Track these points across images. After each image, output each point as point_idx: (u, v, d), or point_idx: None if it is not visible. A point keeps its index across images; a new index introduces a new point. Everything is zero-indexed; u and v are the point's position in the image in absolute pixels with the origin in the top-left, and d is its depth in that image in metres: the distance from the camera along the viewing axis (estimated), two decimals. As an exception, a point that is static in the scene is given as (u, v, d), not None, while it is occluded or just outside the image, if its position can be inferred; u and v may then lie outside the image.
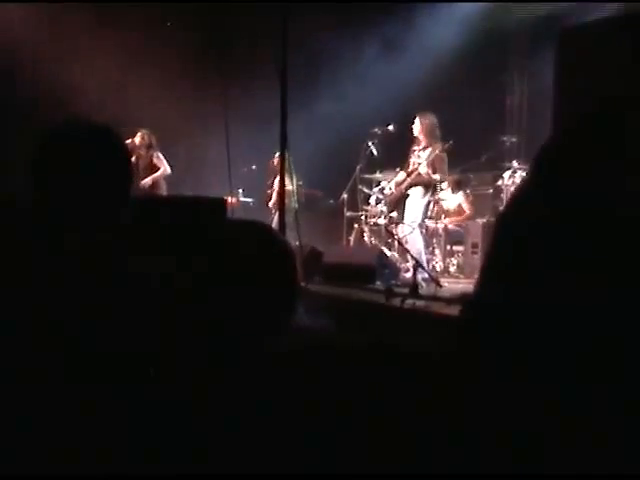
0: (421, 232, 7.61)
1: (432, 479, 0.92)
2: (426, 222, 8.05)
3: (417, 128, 7.57)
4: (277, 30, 5.17)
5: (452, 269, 8.68)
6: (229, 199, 7.36)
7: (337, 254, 7.73)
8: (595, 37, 4.70)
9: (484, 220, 8.79)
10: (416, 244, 7.35)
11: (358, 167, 8.66)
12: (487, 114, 10.15)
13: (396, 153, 8.21)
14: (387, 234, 8.14)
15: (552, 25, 8.27)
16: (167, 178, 8.96)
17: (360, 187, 8.78)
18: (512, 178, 9.00)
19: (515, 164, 9.12)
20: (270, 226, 1.85)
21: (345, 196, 9.06)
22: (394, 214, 8.10)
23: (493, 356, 0.95)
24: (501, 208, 9.10)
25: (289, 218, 6.12)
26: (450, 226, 8.80)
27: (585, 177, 0.88)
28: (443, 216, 8.76)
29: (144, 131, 8.79)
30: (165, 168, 8.85)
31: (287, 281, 1.65)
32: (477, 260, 8.38)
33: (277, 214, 6.60)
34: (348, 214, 9.16)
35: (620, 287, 0.84)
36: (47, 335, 1.49)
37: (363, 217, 8.69)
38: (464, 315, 1.14)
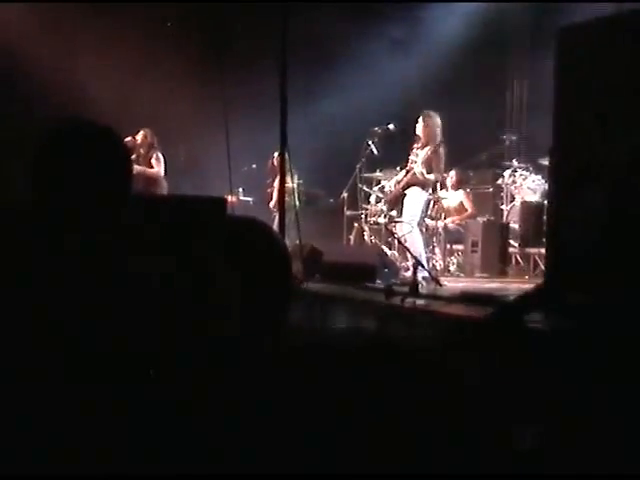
0: (421, 231, 7.62)
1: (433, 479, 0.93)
2: (426, 221, 8.05)
3: (420, 127, 7.59)
4: (277, 29, 5.17)
5: (452, 268, 8.69)
6: (229, 198, 7.36)
7: (337, 253, 7.72)
8: (595, 36, 4.69)
9: (484, 219, 8.80)
10: (416, 243, 7.36)
11: (358, 166, 8.67)
12: (487, 113, 10.16)
13: (396, 152, 8.22)
14: (387, 233, 8.14)
15: (551, 24, 8.27)
16: (167, 177, 8.96)
17: (360, 186, 8.79)
18: (512, 177, 9.02)
19: (515, 163, 9.14)
20: (266, 224, 1.85)
21: (345, 195, 9.06)
22: (394, 213, 8.10)
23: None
24: (501, 207, 9.13)
25: (289, 217, 6.12)
26: (450, 225, 8.80)
27: None
28: (444, 215, 8.77)
29: (146, 130, 8.79)
30: (159, 170, 8.85)
31: (283, 281, 1.65)
32: (477, 259, 8.39)
33: (278, 213, 6.61)
34: (348, 213, 9.16)
35: None
36: (47, 335, 1.48)
37: (363, 216, 8.70)
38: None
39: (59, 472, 1.38)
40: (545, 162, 7.85)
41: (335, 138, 9.51)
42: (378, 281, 6.78)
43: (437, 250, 8.58)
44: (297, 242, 6.04)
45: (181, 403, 1.24)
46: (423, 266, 6.80)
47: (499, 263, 8.33)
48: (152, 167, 8.77)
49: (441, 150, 7.51)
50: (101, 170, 1.76)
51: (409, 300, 5.41)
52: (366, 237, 8.65)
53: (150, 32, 9.68)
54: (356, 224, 8.92)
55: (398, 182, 7.92)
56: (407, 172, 7.66)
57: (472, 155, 9.31)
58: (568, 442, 0.92)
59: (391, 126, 8.10)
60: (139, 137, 8.73)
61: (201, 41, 9.94)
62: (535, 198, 8.71)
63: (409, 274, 6.70)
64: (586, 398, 2.16)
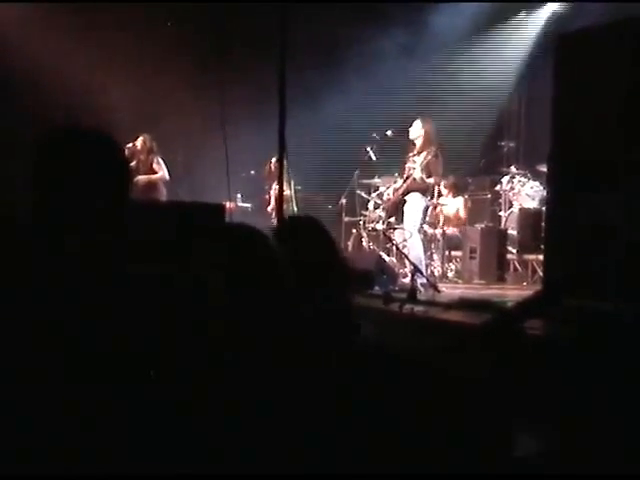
0: (420, 237, 7.62)
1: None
2: (425, 228, 8.05)
3: (413, 133, 7.60)
4: (276, 33, 5.17)
5: (450, 274, 8.69)
6: (227, 204, 7.36)
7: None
8: (594, 42, 4.71)
9: (482, 225, 8.80)
10: (415, 249, 7.35)
11: (356, 172, 8.68)
12: (486, 119, 10.18)
13: (395, 158, 8.22)
14: (385, 239, 8.14)
15: (551, 31, 8.31)
16: (166, 184, 8.96)
17: (358, 192, 8.79)
18: (510, 183, 9.03)
19: (513, 169, 9.15)
20: (256, 229, 1.84)
21: (344, 201, 9.07)
22: (392, 219, 8.10)
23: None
24: (500, 213, 9.14)
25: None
26: (448, 231, 8.81)
27: None
28: (442, 222, 8.78)
29: (145, 136, 8.78)
30: (164, 173, 8.84)
31: (277, 282, 1.65)
32: (475, 265, 8.39)
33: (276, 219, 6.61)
34: (346, 219, 9.16)
35: None
36: (47, 335, 1.48)
37: (361, 222, 8.70)
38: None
39: (59, 472, 1.38)
40: (544, 169, 7.86)
41: (333, 144, 9.53)
42: (376, 287, 6.78)
43: (435, 256, 8.58)
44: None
45: (181, 403, 1.24)
46: (421, 272, 6.81)
47: (497, 270, 8.33)
48: (154, 172, 8.76)
49: (439, 154, 7.53)
50: (100, 173, 1.76)
51: (407, 306, 5.41)
52: (364, 243, 8.66)
53: (148, 36, 9.68)
54: (354, 230, 8.92)
55: (396, 189, 7.93)
56: (406, 178, 7.67)
57: (470, 161, 9.33)
58: (568, 443, 0.92)
59: (389, 132, 8.11)
60: (138, 143, 8.72)
61: (200, 45, 9.95)
62: (533, 205, 8.72)
63: (407, 280, 6.70)
64: (585, 402, 2.16)
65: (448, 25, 9.66)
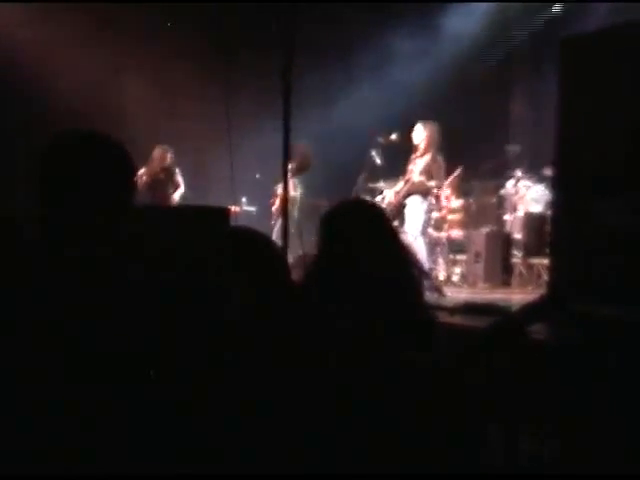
0: (424, 241, 7.61)
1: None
2: (429, 231, 8.04)
3: (416, 136, 7.61)
4: (282, 37, 5.16)
5: (455, 278, 8.67)
6: (232, 208, 7.36)
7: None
8: (597, 46, 4.71)
9: (487, 229, 8.78)
10: (420, 253, 7.34)
11: (361, 176, 8.67)
12: (491, 123, 10.16)
13: (400, 162, 8.22)
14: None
15: (555, 33, 8.29)
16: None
17: (363, 196, 8.77)
18: (515, 187, 9.02)
19: (518, 173, 9.13)
20: (256, 231, 1.84)
21: (349, 205, 9.03)
22: (395, 223, 8.09)
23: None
24: (505, 217, 9.12)
25: (291, 227, 6.11)
26: (453, 235, 8.80)
27: None
28: (446, 226, 8.77)
29: (164, 147, 8.75)
30: (182, 185, 8.93)
31: (279, 282, 1.65)
32: (480, 269, 8.37)
33: (279, 221, 6.61)
34: (351, 223, 9.13)
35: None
36: (46, 350, 1.48)
37: (366, 226, 8.66)
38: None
39: (59, 472, 1.38)
40: (549, 173, 7.85)
41: (339, 148, 9.52)
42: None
43: (440, 260, 8.56)
44: (300, 253, 6.03)
45: (181, 403, 1.24)
46: (427, 276, 6.78)
47: (502, 273, 8.31)
48: (175, 185, 8.77)
49: (440, 157, 7.54)
50: (103, 183, 1.76)
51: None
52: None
53: (152, 40, 9.69)
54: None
55: (397, 192, 7.93)
56: (406, 181, 7.68)
57: (475, 165, 9.31)
58: (568, 445, 0.92)
59: (394, 136, 8.10)
60: (156, 154, 8.63)
61: (206, 48, 9.96)
62: (538, 209, 8.70)
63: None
64: (588, 405, 2.16)
65: (456, 26, 9.67)
